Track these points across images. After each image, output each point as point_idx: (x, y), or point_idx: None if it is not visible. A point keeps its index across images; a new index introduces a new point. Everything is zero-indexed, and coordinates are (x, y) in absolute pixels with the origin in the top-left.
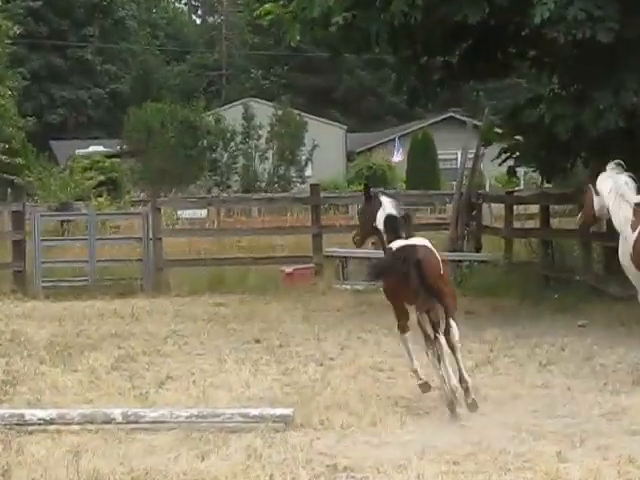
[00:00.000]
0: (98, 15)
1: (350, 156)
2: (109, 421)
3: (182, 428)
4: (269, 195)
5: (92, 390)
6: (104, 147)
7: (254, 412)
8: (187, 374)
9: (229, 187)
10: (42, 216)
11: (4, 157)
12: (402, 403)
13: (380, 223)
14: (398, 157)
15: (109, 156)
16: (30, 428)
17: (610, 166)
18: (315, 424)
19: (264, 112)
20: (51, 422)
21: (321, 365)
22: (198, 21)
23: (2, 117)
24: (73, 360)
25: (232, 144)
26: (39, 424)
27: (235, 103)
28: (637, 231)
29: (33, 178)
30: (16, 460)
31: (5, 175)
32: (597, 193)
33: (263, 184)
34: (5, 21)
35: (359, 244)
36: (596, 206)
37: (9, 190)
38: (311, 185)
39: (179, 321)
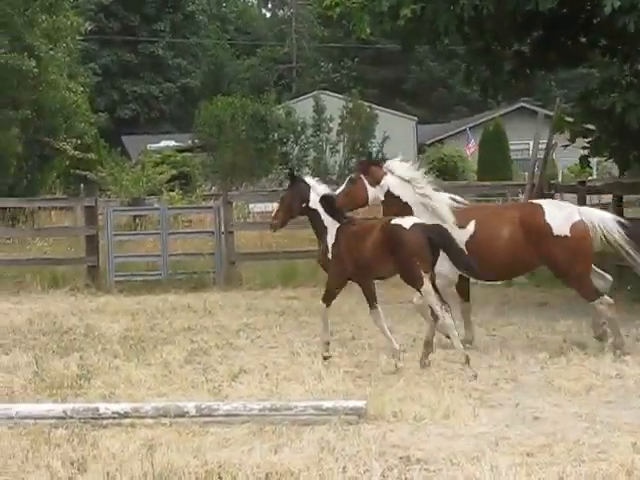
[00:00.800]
0: (168, 10)
1: (421, 148)
2: (183, 414)
3: (255, 421)
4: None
5: (166, 384)
6: (175, 141)
7: (327, 405)
8: (260, 367)
9: None
10: (115, 211)
11: (77, 153)
12: (475, 395)
13: (315, 203)
14: (470, 148)
15: (180, 150)
16: (105, 422)
17: None
18: (388, 416)
19: (334, 105)
20: (125, 416)
21: (393, 357)
22: (268, 14)
23: (75, 113)
24: (147, 354)
25: (303, 137)
26: (113, 418)
27: (306, 96)
28: None
29: (105, 173)
30: (91, 454)
31: (78, 171)
32: None
33: (334, 177)
34: (76, 17)
35: (279, 227)
36: None
37: (82, 185)
38: None
39: (251, 314)
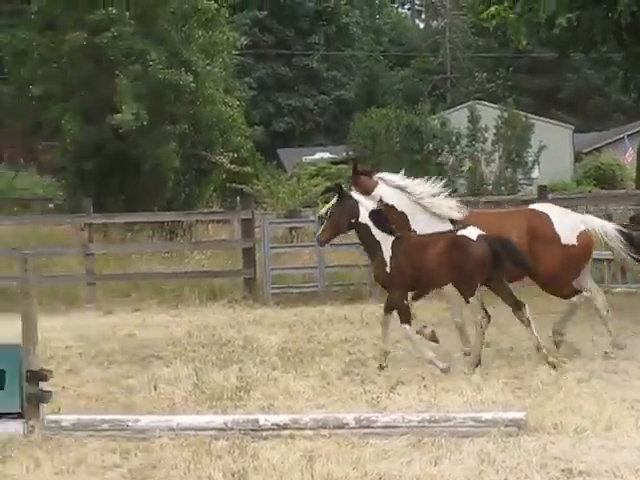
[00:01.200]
0: (322, 23)
1: (577, 156)
2: (342, 426)
3: (414, 433)
4: (496, 198)
5: (324, 395)
6: (330, 153)
7: (486, 416)
8: (418, 378)
9: (455, 190)
10: (271, 223)
11: (233, 166)
12: (637, 406)
13: (365, 218)
14: (629, 156)
15: (335, 162)
16: (264, 433)
17: None
18: (548, 428)
19: (489, 114)
20: (285, 427)
21: (554, 368)
22: (421, 25)
23: (231, 127)
24: (304, 366)
25: (458, 147)
26: (273, 429)
27: (460, 106)
28: None
29: (261, 186)
30: (252, 465)
31: (234, 184)
32: None
33: (489, 187)
34: (232, 32)
35: (326, 243)
36: None
37: (238, 198)
38: (539, 187)
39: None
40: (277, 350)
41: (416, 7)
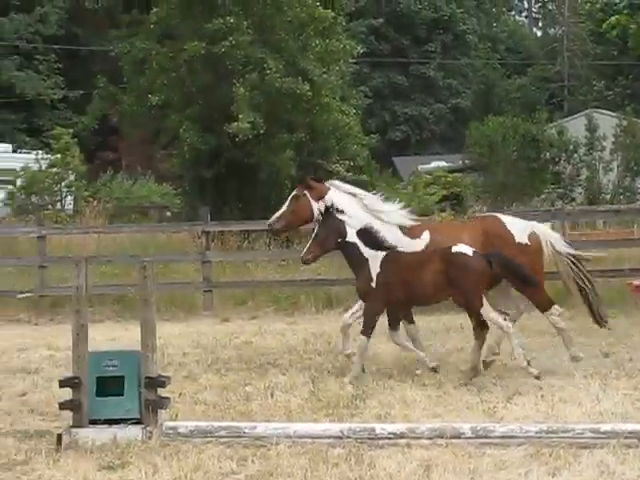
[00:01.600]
0: (439, 31)
1: None
2: (458, 436)
3: (532, 443)
4: (615, 207)
5: (440, 404)
6: (446, 162)
7: (605, 427)
8: (535, 389)
9: (573, 200)
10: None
11: (349, 174)
12: None
13: (353, 237)
14: None
15: (451, 171)
16: (381, 442)
17: None
18: None
19: (607, 123)
20: (401, 436)
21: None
22: (539, 33)
23: (347, 135)
24: (421, 375)
25: (575, 156)
26: (389, 438)
27: (578, 114)
28: None
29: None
30: (368, 473)
31: None
32: None
33: (608, 196)
34: (349, 41)
35: (312, 262)
36: None
37: None
38: None
39: (525, 335)
40: (393, 359)
41: (533, 15)
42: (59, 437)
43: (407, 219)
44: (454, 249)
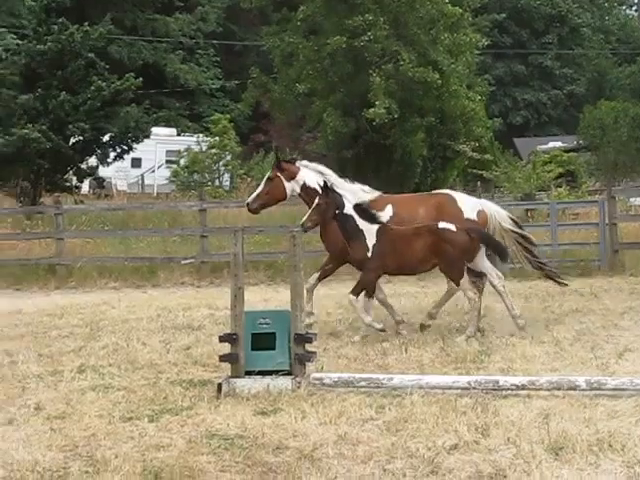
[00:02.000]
0: (556, 24)
1: None
2: (574, 388)
3: None
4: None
5: (557, 359)
6: (562, 143)
7: None
8: None
9: None
10: (509, 205)
11: (475, 154)
12: None
13: (350, 210)
14: None
15: (567, 150)
16: (504, 393)
17: None
18: None
19: None
20: (522, 388)
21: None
22: None
23: (472, 119)
24: (539, 333)
25: None
26: (511, 389)
27: None
28: None
29: (499, 172)
30: (493, 421)
31: (475, 170)
32: None
33: None
34: (474, 34)
35: (311, 228)
36: None
37: (479, 183)
38: None
39: (635, 298)
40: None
41: None
42: (219, 386)
43: (368, 194)
44: (440, 225)
